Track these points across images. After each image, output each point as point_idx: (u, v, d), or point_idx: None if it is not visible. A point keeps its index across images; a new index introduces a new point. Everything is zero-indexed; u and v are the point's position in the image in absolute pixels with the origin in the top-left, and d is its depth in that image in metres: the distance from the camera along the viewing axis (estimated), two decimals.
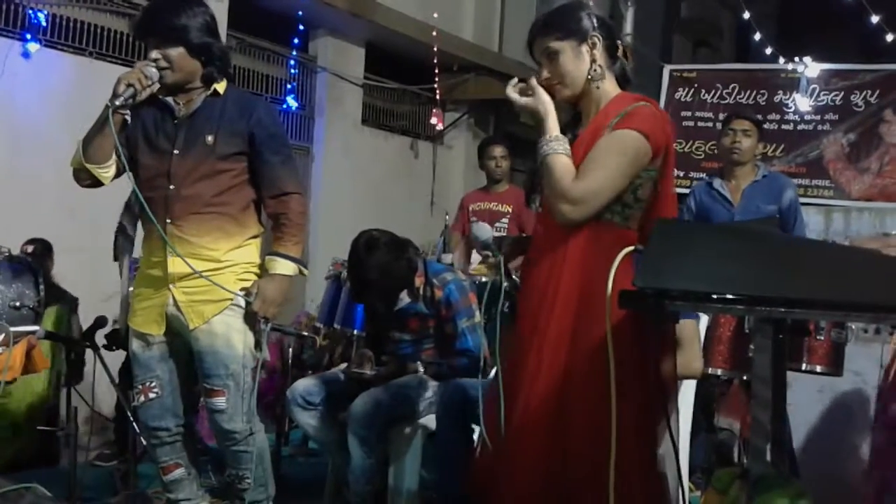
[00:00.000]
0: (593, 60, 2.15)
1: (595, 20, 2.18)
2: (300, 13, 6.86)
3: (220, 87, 2.66)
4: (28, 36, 5.17)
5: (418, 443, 3.16)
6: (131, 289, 2.89)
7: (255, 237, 2.70)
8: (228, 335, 2.59)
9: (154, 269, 2.63)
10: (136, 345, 2.68)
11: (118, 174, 2.65)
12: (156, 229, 2.55)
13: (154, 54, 2.53)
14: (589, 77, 2.15)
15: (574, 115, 2.26)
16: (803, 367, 3.07)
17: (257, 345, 2.67)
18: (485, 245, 2.24)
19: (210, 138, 2.58)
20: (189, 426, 2.76)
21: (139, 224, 2.93)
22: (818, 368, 3.08)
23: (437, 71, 7.49)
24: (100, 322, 3.48)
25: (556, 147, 2.09)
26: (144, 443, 2.81)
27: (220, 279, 2.57)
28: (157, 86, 2.51)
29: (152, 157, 2.62)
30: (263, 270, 2.66)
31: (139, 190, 2.57)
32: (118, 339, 3.57)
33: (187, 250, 2.56)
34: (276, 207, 2.66)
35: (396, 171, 8.05)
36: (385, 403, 3.07)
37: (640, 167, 2.07)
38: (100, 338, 3.56)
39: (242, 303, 2.61)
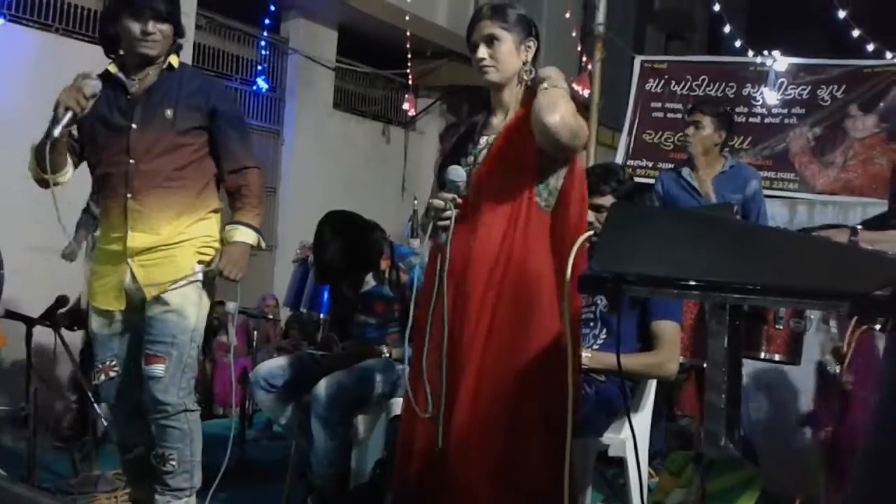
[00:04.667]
0: (525, 62, 2.34)
1: (535, 31, 2.38)
2: None
3: (175, 61, 2.68)
4: None
5: (381, 426, 3.16)
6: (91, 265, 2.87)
7: (214, 211, 2.72)
8: (183, 305, 2.60)
9: (113, 245, 2.64)
10: (96, 323, 2.67)
11: (76, 167, 2.71)
12: (114, 206, 2.58)
13: (151, 26, 2.57)
14: (519, 74, 2.33)
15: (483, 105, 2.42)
16: (762, 355, 3.10)
17: (219, 329, 2.68)
18: (451, 187, 2.24)
19: (169, 112, 2.60)
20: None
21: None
22: (777, 357, 3.11)
23: (409, 56, 7.46)
24: (60, 301, 3.44)
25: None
26: (105, 423, 2.80)
27: (179, 252, 2.60)
28: (96, 98, 2.51)
29: (109, 134, 2.62)
30: (224, 242, 2.68)
31: (100, 168, 2.60)
32: (79, 318, 3.53)
33: (147, 224, 2.58)
34: (235, 181, 2.70)
35: (368, 157, 8.02)
36: (349, 386, 3.06)
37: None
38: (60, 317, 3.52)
39: (201, 277, 2.62)
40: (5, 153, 5.08)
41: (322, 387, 3.02)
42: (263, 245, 2.76)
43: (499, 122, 2.37)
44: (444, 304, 2.23)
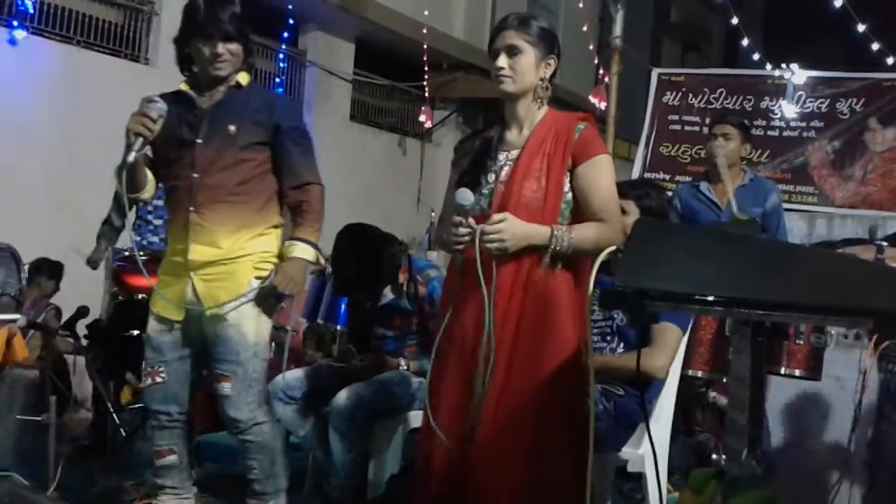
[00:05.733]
0: (543, 78, 2.34)
1: (558, 49, 2.38)
2: (290, 7, 6.85)
3: (244, 78, 2.73)
4: (15, 23, 5.14)
5: (399, 437, 3.16)
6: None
7: (275, 227, 2.76)
8: (241, 322, 2.64)
9: (176, 256, 2.70)
10: (153, 328, 2.73)
11: (157, 186, 2.79)
12: (178, 219, 2.65)
13: (220, 48, 2.63)
14: (536, 90, 2.34)
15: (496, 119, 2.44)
16: (782, 370, 3.08)
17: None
18: (460, 210, 2.24)
19: (233, 128, 2.65)
20: (190, 415, 2.78)
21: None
22: (797, 372, 3.08)
23: (426, 68, 7.49)
24: (81, 312, 3.47)
25: (568, 233, 2.23)
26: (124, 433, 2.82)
27: (238, 268, 2.65)
28: (163, 118, 2.58)
29: (176, 148, 2.69)
30: (282, 257, 2.71)
31: (168, 181, 2.71)
32: (99, 329, 3.55)
33: (208, 238, 2.63)
34: (296, 196, 2.73)
35: (384, 168, 8.05)
36: (367, 398, 3.07)
37: None
38: (81, 328, 3.55)
39: (254, 294, 2.66)
40: (27, 162, 5.14)
41: (341, 399, 3.02)
42: (322, 261, 2.79)
43: (514, 137, 2.37)
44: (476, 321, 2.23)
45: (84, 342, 3.52)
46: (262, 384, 2.71)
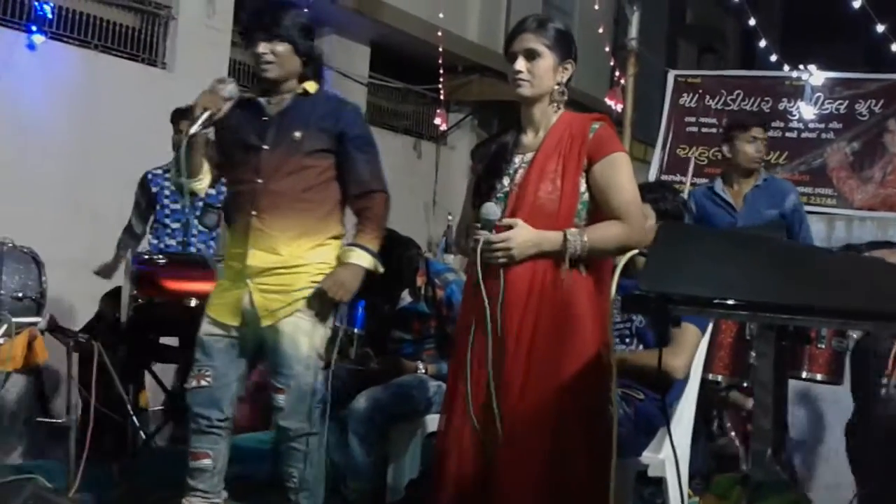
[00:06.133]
0: (560, 82, 2.33)
1: (575, 53, 2.37)
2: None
3: (311, 87, 2.74)
4: (34, 28, 5.18)
5: (418, 441, 3.16)
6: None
7: (335, 237, 2.74)
8: (295, 336, 2.64)
9: (234, 262, 2.71)
10: (206, 330, 2.72)
11: (216, 182, 2.80)
12: (240, 224, 2.66)
13: (261, 48, 2.63)
14: (552, 94, 2.33)
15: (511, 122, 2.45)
16: (803, 375, 3.06)
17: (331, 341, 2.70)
18: (484, 223, 2.24)
19: (298, 134, 2.66)
20: (230, 422, 2.78)
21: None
22: (818, 377, 3.06)
23: (441, 71, 7.49)
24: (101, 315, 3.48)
25: (581, 236, 2.21)
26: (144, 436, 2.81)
27: (295, 280, 2.63)
28: (233, 101, 2.62)
29: (243, 153, 2.71)
30: (339, 261, 2.69)
31: (232, 186, 2.75)
32: (119, 332, 3.57)
33: (267, 244, 2.63)
34: (360, 204, 2.72)
35: (399, 171, 8.03)
36: (385, 402, 3.07)
37: None
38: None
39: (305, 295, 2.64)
40: (45, 166, 5.18)
41: (360, 402, 3.03)
42: (380, 269, 2.75)
43: (530, 140, 2.37)
44: (489, 329, 2.23)
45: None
46: (317, 396, 2.69)
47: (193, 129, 2.55)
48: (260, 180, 2.65)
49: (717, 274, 1.51)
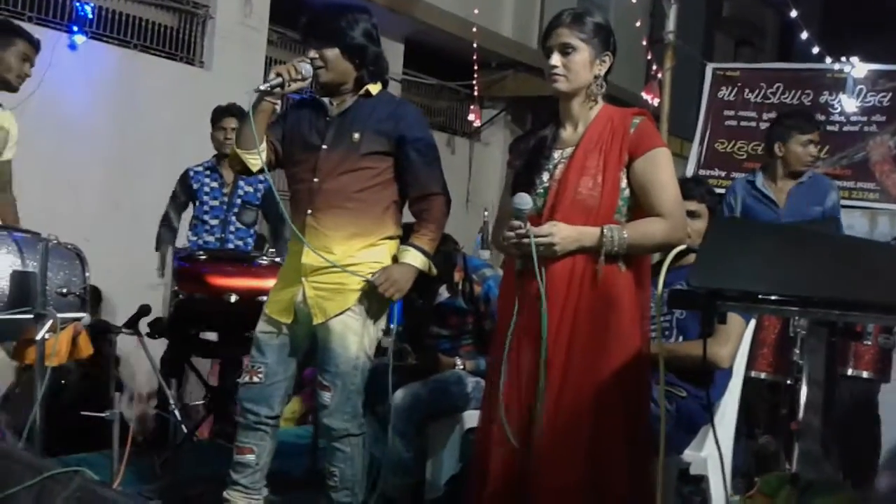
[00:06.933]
0: (597, 76, 2.30)
1: (613, 45, 2.33)
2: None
3: (374, 89, 2.76)
4: (75, 28, 5.26)
5: (456, 437, 3.16)
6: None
7: (390, 238, 2.74)
8: (344, 335, 2.65)
9: (292, 258, 2.75)
10: (262, 328, 2.76)
11: (270, 168, 2.77)
12: (297, 223, 2.69)
13: (311, 53, 2.68)
14: (590, 87, 2.30)
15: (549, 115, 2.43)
16: (849, 371, 3.01)
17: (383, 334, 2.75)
18: (518, 215, 2.23)
19: (356, 135, 2.68)
20: (278, 420, 2.81)
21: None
22: (864, 374, 3.01)
23: (475, 67, 7.47)
24: (143, 310, 3.53)
25: (620, 232, 2.20)
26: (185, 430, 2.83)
27: (347, 280, 2.64)
28: (307, 81, 2.65)
29: (304, 152, 2.74)
30: (394, 261, 2.71)
31: (292, 184, 2.76)
32: (161, 327, 3.62)
33: (321, 243, 2.66)
34: (419, 206, 2.73)
35: None
36: (424, 398, 3.07)
37: None
38: (143, 326, 3.62)
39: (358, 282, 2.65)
40: (86, 165, 5.26)
41: (398, 398, 3.03)
42: (434, 271, 2.75)
43: (569, 135, 2.35)
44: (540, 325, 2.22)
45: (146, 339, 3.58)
46: (360, 396, 2.71)
47: (262, 87, 2.61)
48: (316, 179, 2.68)
49: (767, 269, 1.49)
